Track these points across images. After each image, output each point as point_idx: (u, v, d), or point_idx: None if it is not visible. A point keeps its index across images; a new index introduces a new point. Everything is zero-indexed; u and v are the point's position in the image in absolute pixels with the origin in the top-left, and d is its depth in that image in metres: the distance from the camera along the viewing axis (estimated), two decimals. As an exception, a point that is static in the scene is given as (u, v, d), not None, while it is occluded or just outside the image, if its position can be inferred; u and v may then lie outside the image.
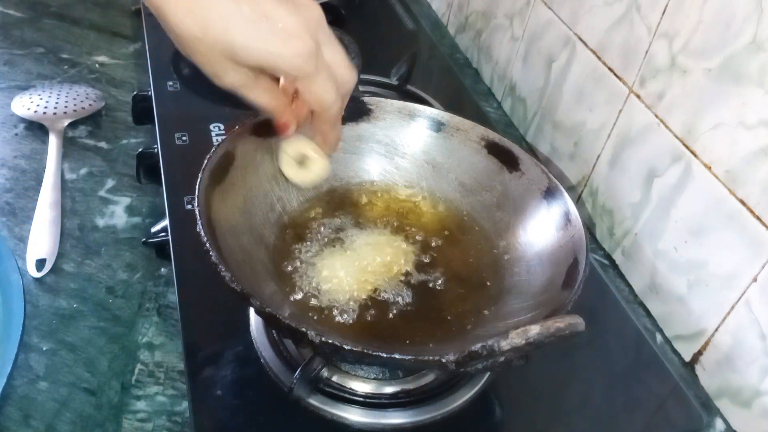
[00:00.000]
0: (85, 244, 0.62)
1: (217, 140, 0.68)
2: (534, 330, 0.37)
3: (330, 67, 0.46)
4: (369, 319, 0.49)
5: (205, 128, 0.71)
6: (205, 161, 0.50)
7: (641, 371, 0.56)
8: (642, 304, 0.66)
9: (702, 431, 0.54)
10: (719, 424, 0.56)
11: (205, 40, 0.41)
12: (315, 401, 0.48)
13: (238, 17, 0.41)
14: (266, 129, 0.56)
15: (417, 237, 0.56)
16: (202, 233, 0.43)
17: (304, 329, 0.40)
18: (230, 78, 0.44)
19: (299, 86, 0.46)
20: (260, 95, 0.46)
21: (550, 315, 0.44)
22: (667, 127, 0.61)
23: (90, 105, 0.78)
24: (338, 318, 0.49)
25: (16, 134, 0.74)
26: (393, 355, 0.39)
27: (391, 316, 0.50)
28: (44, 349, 0.53)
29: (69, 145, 0.73)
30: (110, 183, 0.69)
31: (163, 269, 0.61)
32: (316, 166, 0.53)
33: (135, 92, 0.77)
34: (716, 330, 0.57)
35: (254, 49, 0.42)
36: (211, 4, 0.41)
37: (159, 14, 0.42)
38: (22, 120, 0.75)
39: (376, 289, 0.51)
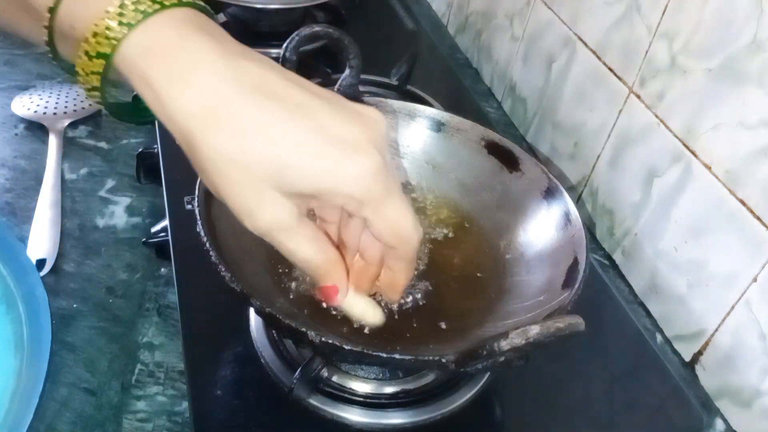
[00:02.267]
0: (85, 244, 0.62)
1: (217, 140, 0.68)
2: (534, 330, 0.37)
3: (402, 191, 0.36)
4: (369, 319, 0.49)
5: (205, 128, 0.71)
6: (205, 161, 0.49)
7: (641, 371, 0.56)
8: (642, 304, 0.66)
9: (702, 431, 0.54)
10: (719, 424, 0.56)
11: (242, 160, 0.32)
12: (315, 401, 0.48)
13: (287, 129, 0.32)
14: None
15: (417, 237, 0.56)
16: (202, 233, 0.43)
17: (304, 329, 0.40)
18: (268, 215, 0.34)
19: (367, 214, 0.35)
20: (303, 244, 0.35)
21: (550, 315, 0.44)
22: (667, 127, 0.61)
23: (90, 105, 0.78)
24: (338, 317, 0.49)
25: (16, 134, 0.74)
26: (393, 355, 0.39)
27: (391, 316, 0.50)
28: (44, 349, 0.53)
29: (69, 145, 0.73)
30: (110, 183, 0.69)
31: (163, 269, 0.61)
32: (372, 317, 0.43)
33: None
34: (716, 330, 0.57)
35: (308, 168, 0.32)
36: (253, 115, 0.32)
37: (183, 135, 0.33)
38: (22, 120, 0.75)
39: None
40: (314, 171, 0.33)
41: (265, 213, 0.33)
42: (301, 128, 0.32)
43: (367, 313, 0.42)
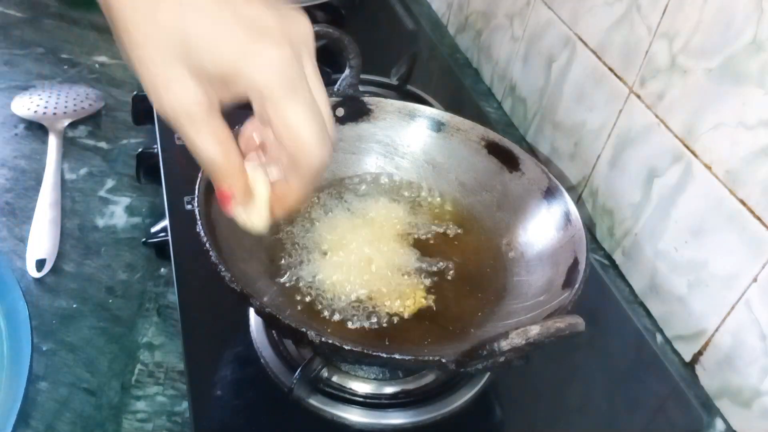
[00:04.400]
0: (85, 244, 0.62)
1: (217, 140, 0.68)
2: (534, 330, 0.37)
3: (315, 100, 0.34)
4: (369, 318, 0.49)
5: (205, 128, 0.71)
6: (205, 161, 0.49)
7: (641, 371, 0.56)
8: (642, 304, 0.66)
9: (702, 431, 0.54)
10: (719, 424, 0.56)
11: (151, 27, 0.31)
12: (315, 401, 0.48)
13: (199, 2, 0.31)
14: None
15: (417, 237, 0.56)
16: (202, 233, 0.43)
17: (304, 329, 0.40)
18: (173, 95, 0.32)
19: (268, 111, 0.33)
20: (208, 140, 0.33)
21: (551, 315, 0.44)
22: (667, 127, 0.61)
23: (90, 105, 0.78)
24: (338, 317, 0.49)
25: (16, 134, 0.74)
26: (393, 356, 0.39)
27: (391, 316, 0.50)
28: (44, 349, 0.53)
29: (69, 145, 0.73)
30: (110, 183, 0.69)
31: (163, 269, 0.61)
32: (257, 215, 0.38)
33: (135, 92, 0.77)
34: (716, 330, 0.57)
35: (213, 44, 0.31)
36: None
37: (104, 2, 0.32)
38: (22, 120, 0.75)
39: (375, 290, 0.51)
40: (219, 48, 0.32)
41: (170, 91, 0.32)
42: (214, 3, 0.31)
43: (262, 197, 0.38)
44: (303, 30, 0.34)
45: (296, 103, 0.33)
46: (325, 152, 0.34)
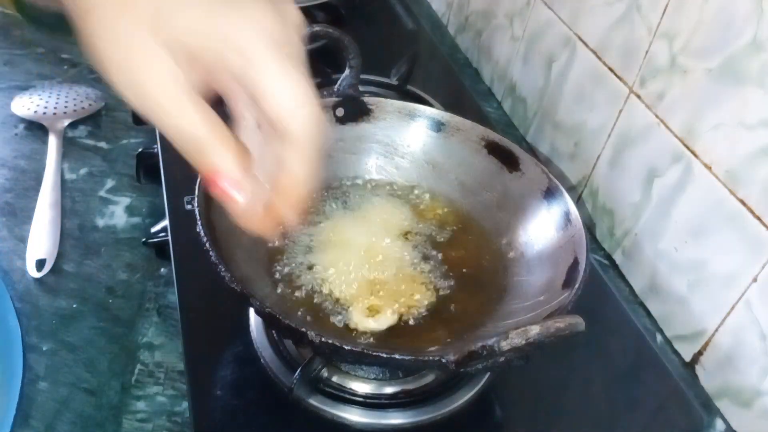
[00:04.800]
0: (85, 244, 0.62)
1: (217, 140, 0.68)
2: (534, 330, 0.37)
3: (304, 71, 0.31)
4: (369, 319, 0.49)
5: (205, 128, 0.71)
6: (205, 161, 0.49)
7: (641, 371, 0.56)
8: (642, 304, 0.66)
9: (702, 431, 0.54)
10: (719, 424, 0.56)
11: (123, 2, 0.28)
12: (315, 401, 0.48)
13: None
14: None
15: (417, 237, 0.56)
16: (202, 233, 0.43)
17: (304, 329, 0.40)
18: (148, 72, 0.29)
19: (254, 74, 0.29)
20: (187, 111, 0.30)
21: (551, 315, 0.44)
22: (667, 127, 0.61)
23: (90, 105, 0.78)
24: (338, 317, 0.49)
25: (16, 134, 0.74)
26: (393, 355, 0.39)
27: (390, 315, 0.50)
28: (44, 349, 0.53)
29: (69, 145, 0.73)
30: (110, 183, 0.69)
31: (163, 269, 0.61)
32: (383, 317, 0.48)
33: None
34: (716, 330, 0.57)
35: (190, 9, 0.28)
36: None
37: None
38: (22, 120, 0.75)
39: (376, 289, 0.51)
40: (196, 13, 0.28)
41: (143, 66, 0.28)
42: None
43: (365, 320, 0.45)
44: (294, 17, 0.31)
45: (285, 66, 0.30)
46: (320, 118, 0.31)
